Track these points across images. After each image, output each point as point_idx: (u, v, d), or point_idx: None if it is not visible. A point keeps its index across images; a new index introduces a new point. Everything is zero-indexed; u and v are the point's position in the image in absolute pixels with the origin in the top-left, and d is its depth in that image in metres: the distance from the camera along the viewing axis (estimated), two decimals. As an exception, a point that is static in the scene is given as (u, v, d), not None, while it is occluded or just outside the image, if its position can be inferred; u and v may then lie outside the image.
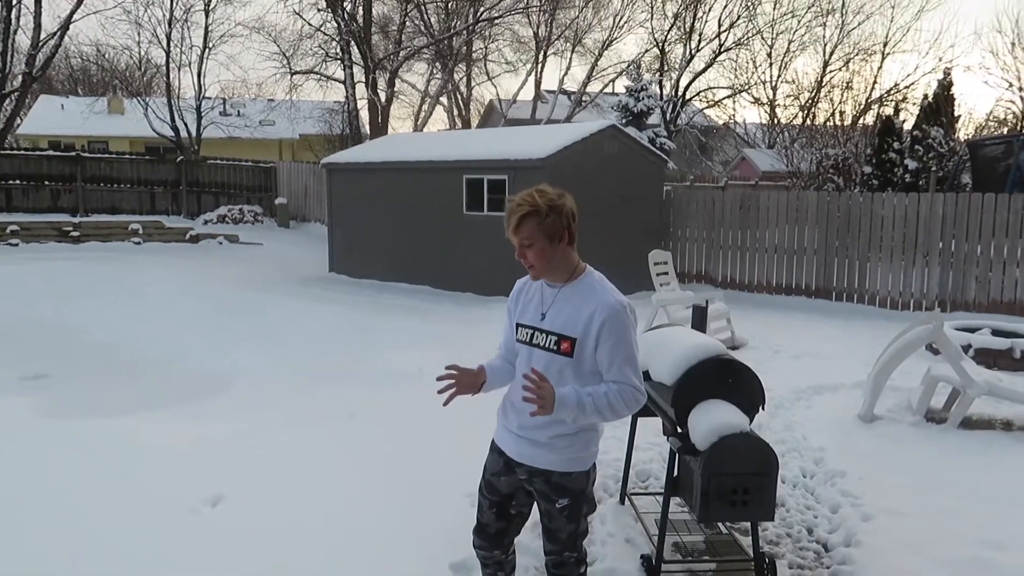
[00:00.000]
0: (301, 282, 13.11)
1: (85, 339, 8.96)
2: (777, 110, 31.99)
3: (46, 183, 18.57)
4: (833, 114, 27.66)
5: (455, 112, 31.23)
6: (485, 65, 30.39)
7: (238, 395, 6.69)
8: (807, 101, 30.90)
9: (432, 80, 28.85)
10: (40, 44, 20.16)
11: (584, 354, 2.53)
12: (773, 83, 31.94)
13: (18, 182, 18.26)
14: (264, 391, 6.82)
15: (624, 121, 21.86)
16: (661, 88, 29.15)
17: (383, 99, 25.68)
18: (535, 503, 2.78)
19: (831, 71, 31.03)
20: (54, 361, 7.83)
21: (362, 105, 26.39)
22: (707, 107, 32.09)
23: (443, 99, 30.26)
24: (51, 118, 31.31)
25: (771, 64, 32.25)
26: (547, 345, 2.58)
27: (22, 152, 19.66)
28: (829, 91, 30.61)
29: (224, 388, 6.91)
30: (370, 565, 3.59)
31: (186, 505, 4.24)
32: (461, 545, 3.51)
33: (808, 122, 28.87)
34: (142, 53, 27.90)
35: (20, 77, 20.73)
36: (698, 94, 30.78)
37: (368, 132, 25.78)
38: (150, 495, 4.37)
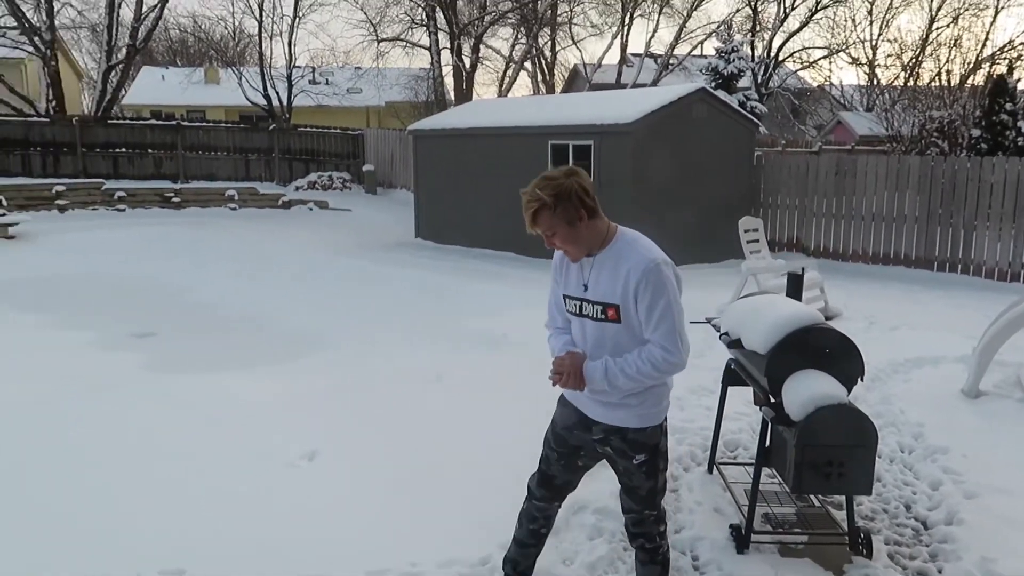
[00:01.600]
0: (388, 247, 13.36)
1: (187, 299, 9.41)
2: (877, 71, 30.44)
3: (149, 151, 19.43)
4: (939, 74, 26.03)
5: (539, 77, 30.96)
6: (570, 29, 29.95)
7: (327, 355, 6.90)
8: (910, 60, 29.26)
9: (517, 45, 28.66)
10: (142, 17, 20.99)
11: (631, 318, 2.54)
12: (873, 42, 30.46)
13: (124, 150, 19.18)
14: (352, 351, 7.01)
15: (713, 84, 21.20)
16: (753, 49, 28.13)
17: (468, 65, 25.69)
18: (610, 463, 2.79)
19: (938, 28, 29.27)
20: (160, 319, 8.25)
21: (447, 71, 26.49)
22: (801, 68, 30.82)
23: (527, 64, 30.02)
24: (152, 89, 32.65)
25: (871, 22, 30.82)
26: (595, 315, 2.60)
27: (127, 121, 20.63)
28: (935, 49, 28.87)
29: (314, 348, 7.14)
30: (458, 523, 3.66)
31: (284, 459, 4.43)
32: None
33: (911, 83, 27.35)
34: (236, 23, 28.75)
35: (124, 49, 21.68)
36: (792, 55, 29.58)
37: (453, 99, 25.87)
38: (249, 449, 4.58)
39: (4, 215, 13.49)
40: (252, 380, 6.04)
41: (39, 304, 8.86)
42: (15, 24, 20.53)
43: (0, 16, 20.84)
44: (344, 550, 3.46)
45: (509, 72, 28.95)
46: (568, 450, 2.83)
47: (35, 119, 19.40)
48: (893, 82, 28.89)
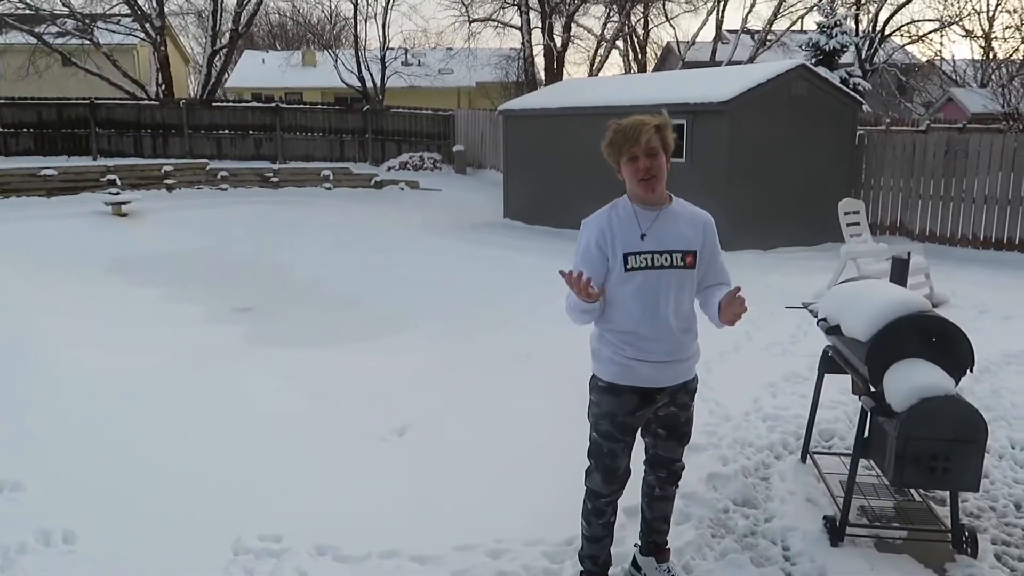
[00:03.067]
0: (477, 228, 13.48)
1: (283, 276, 9.77)
2: (993, 43, 28.55)
3: (250, 132, 20.15)
4: (1064, 46, 24.31)
5: (631, 56, 30.43)
6: (663, 5, 29.20)
7: (418, 333, 7.05)
8: (1032, 32, 27.31)
9: (608, 23, 28.23)
10: (245, 2, 21.73)
11: (700, 264, 2.74)
12: (990, 13, 28.49)
13: (227, 132, 19.96)
14: (441, 330, 7.14)
15: (814, 60, 20.33)
16: (857, 23, 26.81)
17: (559, 44, 25.51)
18: (669, 422, 2.89)
19: (1064, -4, 27.18)
20: (258, 295, 8.62)
21: (538, 51, 26.37)
22: (909, 43, 29.12)
23: (619, 43, 29.54)
24: (253, 72, 33.77)
25: (989, -9, 28.71)
26: (672, 263, 2.70)
27: (230, 104, 21.46)
28: (1060, 20, 26.87)
29: (405, 326, 7.31)
30: (543, 504, 3.68)
31: (375, 434, 4.56)
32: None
33: (1032, 56, 25.55)
34: (332, 6, 29.34)
35: (228, 34, 22.53)
36: (899, 28, 28.01)
37: (543, 78, 25.77)
38: (341, 422, 4.74)
39: (118, 194, 14.29)
40: (344, 355, 6.24)
41: (152, 279, 9.38)
42: (128, 12, 21.63)
43: (115, 4, 21.98)
44: (431, 525, 3.54)
45: (600, 51, 28.58)
46: (632, 436, 2.89)
47: (146, 102, 20.43)
48: (1011, 56, 27.06)
